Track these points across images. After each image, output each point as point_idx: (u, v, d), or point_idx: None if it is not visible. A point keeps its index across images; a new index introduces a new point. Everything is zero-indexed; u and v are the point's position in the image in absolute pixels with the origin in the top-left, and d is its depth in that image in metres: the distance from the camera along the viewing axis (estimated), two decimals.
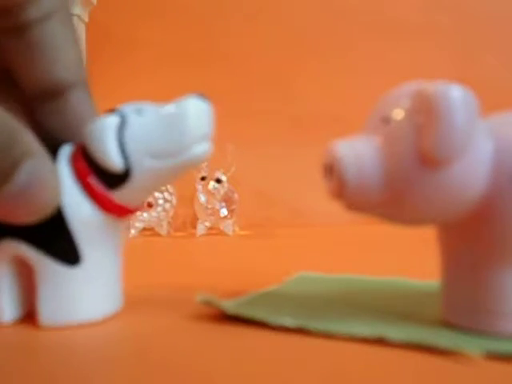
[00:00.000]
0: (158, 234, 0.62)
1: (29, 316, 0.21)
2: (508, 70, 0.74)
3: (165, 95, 0.23)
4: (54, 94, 0.22)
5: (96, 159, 0.20)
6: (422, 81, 0.17)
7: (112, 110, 0.20)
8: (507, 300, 0.17)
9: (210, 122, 0.20)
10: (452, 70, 0.71)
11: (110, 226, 0.21)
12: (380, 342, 0.17)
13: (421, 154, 0.16)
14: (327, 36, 0.77)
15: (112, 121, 0.20)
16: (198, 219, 0.62)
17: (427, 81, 0.17)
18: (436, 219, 0.18)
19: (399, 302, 0.22)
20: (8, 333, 0.20)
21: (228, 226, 0.62)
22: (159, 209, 0.62)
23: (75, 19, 0.55)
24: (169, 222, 0.63)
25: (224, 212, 0.61)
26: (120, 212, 0.21)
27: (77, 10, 0.56)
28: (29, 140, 0.18)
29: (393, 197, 0.17)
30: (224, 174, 0.62)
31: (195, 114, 0.20)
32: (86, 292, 0.21)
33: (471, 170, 0.16)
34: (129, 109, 0.20)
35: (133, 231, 0.61)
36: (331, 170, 0.17)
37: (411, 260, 0.35)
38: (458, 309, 0.18)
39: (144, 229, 0.62)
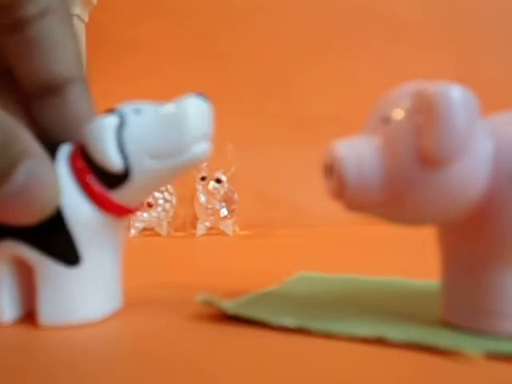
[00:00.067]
0: (158, 234, 0.62)
1: (29, 316, 0.21)
2: (508, 70, 0.74)
3: (164, 95, 0.23)
4: (51, 90, 0.22)
5: (95, 160, 0.20)
6: (422, 81, 0.17)
7: (111, 110, 0.20)
8: (507, 300, 0.17)
9: (209, 121, 0.20)
10: (452, 70, 0.71)
11: (109, 226, 0.21)
12: (380, 342, 0.17)
13: (421, 154, 0.16)
14: (327, 36, 0.77)
15: (111, 121, 0.19)
16: (198, 219, 0.62)
17: (427, 81, 0.17)
18: (436, 219, 0.18)
19: (399, 302, 0.22)
20: (8, 333, 0.20)
21: (228, 226, 0.62)
22: (159, 209, 0.62)
23: (75, 19, 0.55)
24: (169, 222, 0.63)
25: (224, 212, 0.62)
26: (119, 212, 0.21)
27: (77, 9, 0.56)
28: (27, 139, 0.18)
29: (393, 197, 0.17)
30: (224, 174, 0.62)
31: (195, 113, 0.20)
32: (86, 292, 0.21)
33: (471, 170, 0.16)
34: (128, 109, 0.20)
35: (133, 231, 0.61)
36: (331, 170, 0.17)
37: (411, 260, 0.35)
38: (458, 309, 0.18)
39: (144, 229, 0.62)
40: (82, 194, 0.20)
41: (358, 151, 0.17)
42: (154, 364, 0.16)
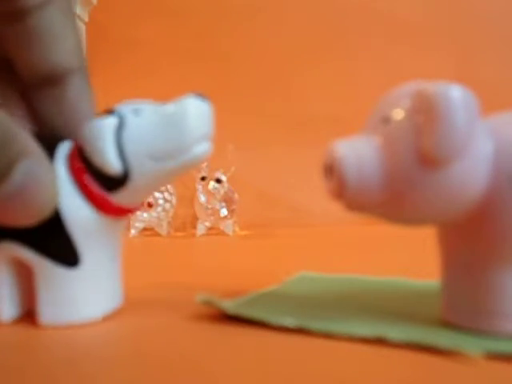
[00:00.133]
0: (158, 234, 0.62)
1: (28, 315, 0.21)
2: (508, 70, 0.74)
3: (164, 95, 0.23)
4: (51, 80, 0.22)
5: (94, 162, 0.19)
6: (422, 81, 0.17)
7: (109, 111, 0.20)
8: (507, 300, 0.17)
9: (209, 121, 0.20)
10: (452, 70, 0.71)
11: (108, 227, 0.21)
12: (380, 342, 0.17)
13: (421, 154, 0.16)
14: (327, 36, 0.77)
15: (110, 122, 0.19)
16: (198, 219, 0.62)
17: (427, 81, 0.17)
18: (436, 219, 0.18)
19: (399, 302, 0.22)
20: (8, 332, 0.20)
21: (228, 226, 0.62)
22: (159, 209, 0.62)
23: None
24: (169, 222, 0.63)
25: (224, 212, 0.62)
26: (118, 213, 0.21)
27: (77, 9, 0.56)
28: (25, 139, 0.18)
29: (393, 197, 0.17)
30: (224, 174, 0.62)
31: (195, 113, 0.19)
32: (86, 293, 0.21)
33: (471, 170, 0.16)
34: (127, 109, 0.20)
35: (133, 231, 0.61)
36: (331, 170, 0.17)
37: (411, 260, 0.35)
38: (458, 309, 0.18)
39: (144, 229, 0.62)
40: (80, 195, 0.20)
41: (358, 151, 0.17)
42: (153, 364, 0.16)
